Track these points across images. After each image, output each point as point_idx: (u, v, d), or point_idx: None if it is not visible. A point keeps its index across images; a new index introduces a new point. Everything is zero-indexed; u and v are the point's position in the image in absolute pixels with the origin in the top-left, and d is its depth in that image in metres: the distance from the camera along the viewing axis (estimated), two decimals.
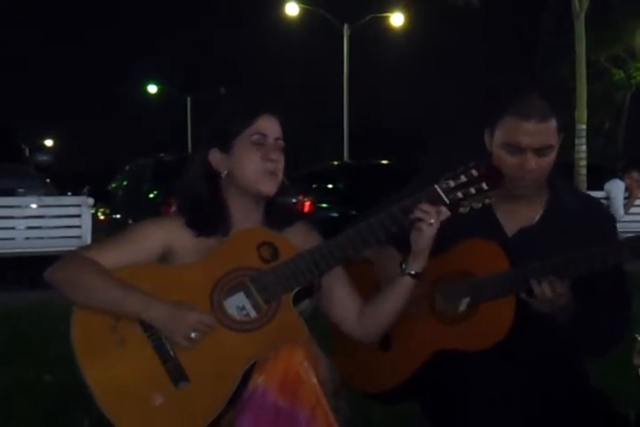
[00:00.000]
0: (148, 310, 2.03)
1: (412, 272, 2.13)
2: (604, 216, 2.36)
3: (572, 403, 2.24)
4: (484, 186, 2.05)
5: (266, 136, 2.16)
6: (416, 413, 2.47)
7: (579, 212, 2.31)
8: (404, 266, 2.15)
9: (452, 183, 2.06)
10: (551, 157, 2.25)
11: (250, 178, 2.15)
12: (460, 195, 2.06)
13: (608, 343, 2.30)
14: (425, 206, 2.06)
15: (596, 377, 2.39)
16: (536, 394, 2.21)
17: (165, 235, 2.15)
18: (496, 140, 2.26)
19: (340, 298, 2.21)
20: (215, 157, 2.17)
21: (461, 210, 2.08)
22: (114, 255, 2.11)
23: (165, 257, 2.15)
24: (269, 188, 2.15)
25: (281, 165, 2.17)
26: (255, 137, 2.15)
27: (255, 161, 2.14)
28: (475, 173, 2.05)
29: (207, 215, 2.16)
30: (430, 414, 2.38)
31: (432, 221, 2.06)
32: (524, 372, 2.20)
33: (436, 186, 2.07)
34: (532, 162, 2.21)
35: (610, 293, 2.24)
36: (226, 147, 2.16)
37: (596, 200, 2.47)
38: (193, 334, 2.02)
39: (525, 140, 2.20)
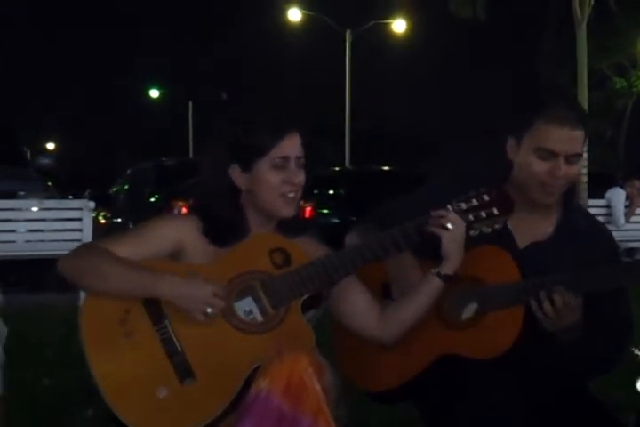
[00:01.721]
0: (163, 286, 2.04)
1: (442, 273, 2.14)
2: (610, 244, 2.38)
3: (571, 411, 2.25)
4: (495, 211, 2.10)
5: (288, 159, 2.13)
6: (414, 419, 2.48)
7: (589, 232, 2.34)
8: (433, 269, 2.16)
9: (463, 206, 2.11)
10: (577, 167, 2.28)
11: (268, 201, 2.14)
12: (471, 217, 2.11)
13: (606, 366, 2.32)
14: (439, 212, 2.10)
15: (596, 386, 2.40)
16: (536, 402, 2.22)
17: (178, 233, 2.15)
18: (526, 146, 2.27)
19: (357, 304, 2.21)
20: (235, 173, 2.15)
21: (471, 233, 2.12)
22: (126, 249, 2.12)
23: (176, 254, 2.15)
24: (288, 212, 2.16)
25: (301, 187, 2.16)
26: (277, 160, 2.11)
27: (275, 185, 2.13)
28: (486, 197, 2.10)
29: (225, 230, 2.15)
30: (427, 418, 2.38)
31: (449, 225, 2.09)
32: (524, 380, 2.21)
33: (448, 206, 2.11)
34: (562, 169, 2.23)
35: (612, 317, 2.26)
36: (246, 166, 2.13)
37: (605, 228, 2.49)
38: (209, 310, 2.03)
39: (560, 146, 2.22)
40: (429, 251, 2.16)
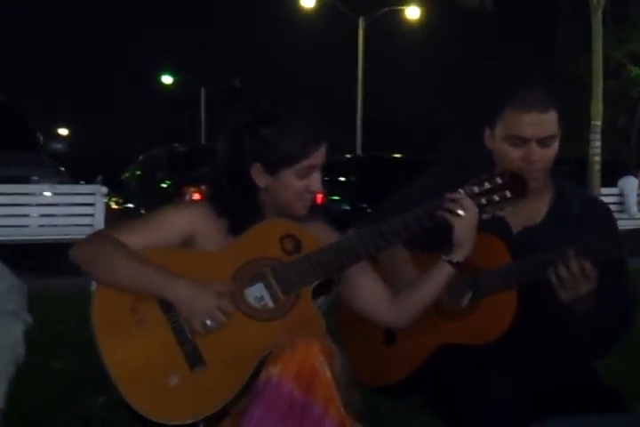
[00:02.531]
0: (171, 289, 2.04)
1: (454, 261, 2.14)
2: (607, 220, 2.37)
3: (577, 397, 2.25)
4: (508, 194, 2.08)
5: (314, 168, 2.13)
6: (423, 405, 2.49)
7: (582, 213, 2.32)
8: (444, 256, 2.15)
9: (476, 189, 2.09)
10: (554, 148, 2.27)
11: (286, 202, 2.14)
12: (483, 201, 2.09)
13: (611, 339, 2.31)
14: (452, 196, 2.09)
15: (604, 372, 2.40)
16: (540, 388, 2.23)
17: (190, 221, 2.15)
18: (498, 134, 2.27)
19: (368, 289, 2.21)
20: (257, 172, 2.12)
21: (484, 216, 2.11)
22: (138, 237, 2.12)
23: (188, 242, 2.15)
24: (302, 212, 2.16)
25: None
26: (304, 170, 2.11)
27: (298, 191, 2.13)
28: (499, 180, 2.09)
29: (243, 221, 2.14)
30: (434, 408, 2.40)
31: (460, 212, 2.08)
32: (528, 366, 2.21)
33: (460, 190, 2.09)
34: (537, 153, 2.23)
35: (613, 288, 2.25)
36: (272, 170, 2.11)
37: (601, 202, 2.48)
38: (208, 321, 2.03)
39: (528, 131, 2.22)
40: (440, 237, 2.16)
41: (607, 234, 2.24)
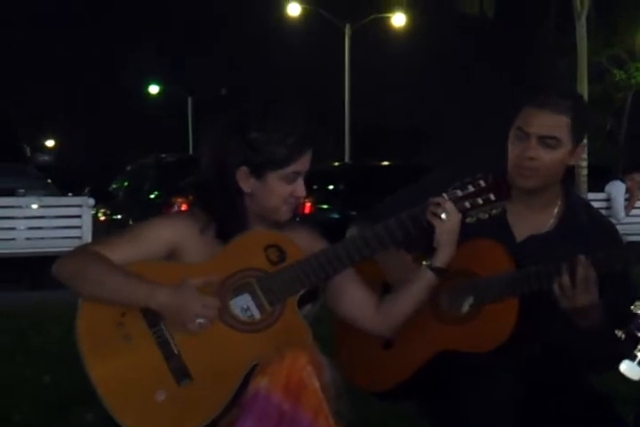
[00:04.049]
0: (155, 298, 2.03)
1: (433, 266, 2.13)
2: (613, 236, 2.36)
3: (572, 404, 2.25)
4: (492, 197, 2.07)
5: (300, 173, 2.14)
6: (415, 414, 2.47)
7: (590, 227, 2.32)
8: (425, 262, 2.14)
9: (459, 193, 2.08)
10: (556, 154, 2.25)
11: (270, 208, 2.14)
12: (467, 205, 2.08)
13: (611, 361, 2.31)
14: (435, 200, 2.08)
15: (594, 377, 2.39)
16: (536, 397, 2.22)
17: (174, 233, 2.15)
18: (512, 129, 2.29)
19: (354, 296, 2.20)
20: (242, 175, 2.12)
21: (468, 220, 2.10)
22: (122, 251, 2.11)
23: (172, 255, 2.15)
24: (286, 216, 2.16)
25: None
26: (291, 175, 2.12)
27: (283, 196, 2.13)
28: (482, 183, 2.08)
29: (228, 226, 2.13)
30: (429, 414, 2.39)
31: (443, 215, 2.07)
32: (524, 374, 2.20)
33: (444, 194, 2.08)
34: (533, 149, 2.23)
35: (621, 301, 2.24)
36: (259, 174, 2.11)
37: (608, 220, 2.47)
38: (200, 320, 2.02)
39: (533, 126, 2.23)
40: (424, 242, 2.15)
41: (614, 247, 2.23)
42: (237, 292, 2.08)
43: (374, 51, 34.78)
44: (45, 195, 8.84)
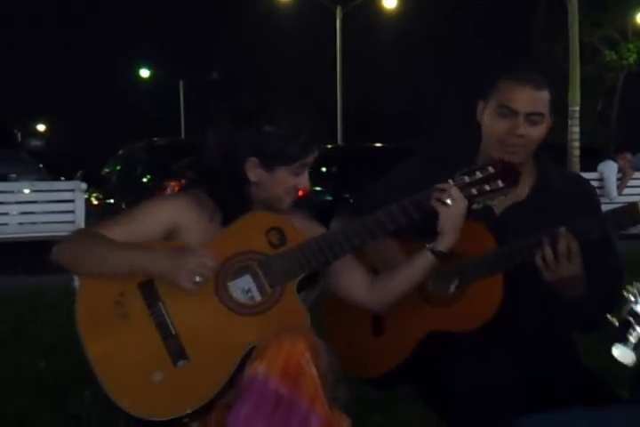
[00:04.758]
0: (153, 259, 2.04)
1: (436, 249, 2.12)
2: (590, 196, 2.38)
3: (566, 383, 2.26)
4: (500, 183, 2.06)
5: (307, 166, 2.18)
6: (413, 395, 2.48)
7: (566, 191, 2.33)
8: (428, 244, 2.14)
9: (466, 179, 2.07)
10: (540, 130, 2.27)
11: (275, 197, 2.16)
12: (474, 191, 2.07)
13: (600, 316, 2.31)
14: (442, 186, 2.07)
15: (592, 359, 2.40)
16: (528, 374, 2.22)
17: (174, 213, 2.15)
18: (490, 104, 2.28)
19: (350, 275, 2.21)
20: (251, 165, 2.13)
21: (474, 206, 2.09)
22: (121, 232, 2.12)
23: (171, 236, 2.15)
24: (286, 206, 2.19)
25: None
26: (298, 169, 2.16)
27: (289, 188, 2.16)
28: (491, 169, 2.06)
29: (232, 212, 2.14)
30: (423, 397, 2.40)
31: (448, 201, 2.07)
32: (516, 351, 2.21)
33: (450, 181, 2.07)
34: (522, 127, 2.23)
35: (604, 268, 2.25)
36: (268, 166, 2.13)
37: (584, 180, 2.48)
38: (197, 278, 2.03)
39: (520, 103, 2.23)
40: (427, 227, 2.14)
41: (591, 213, 2.23)
42: (238, 273, 2.07)
43: (366, 33, 34.66)
44: (37, 180, 8.81)
